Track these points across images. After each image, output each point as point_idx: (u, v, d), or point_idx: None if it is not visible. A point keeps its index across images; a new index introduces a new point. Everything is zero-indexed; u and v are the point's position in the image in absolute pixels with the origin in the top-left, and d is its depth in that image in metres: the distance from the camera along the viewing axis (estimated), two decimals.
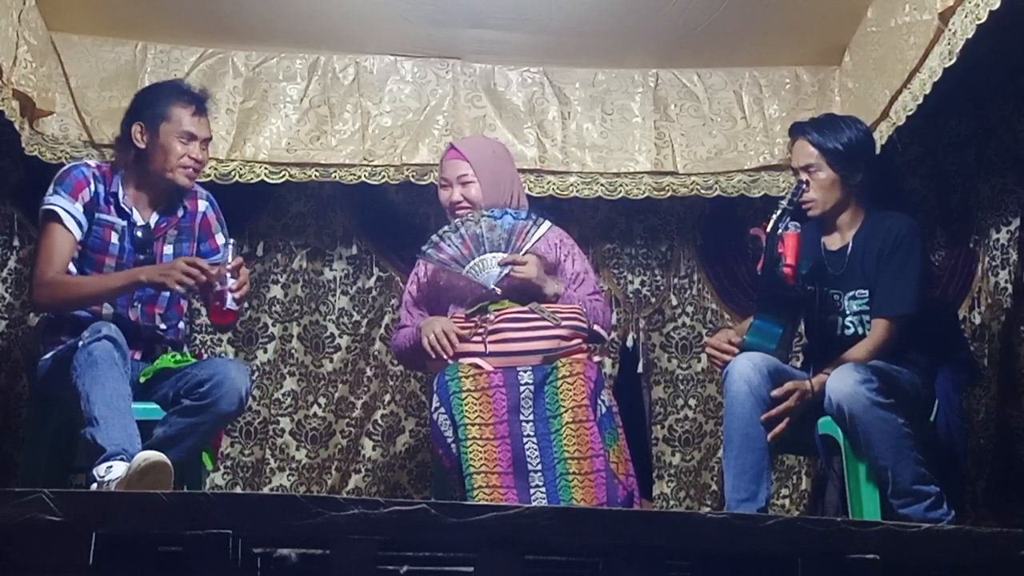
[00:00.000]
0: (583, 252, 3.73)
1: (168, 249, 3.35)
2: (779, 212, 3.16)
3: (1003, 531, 2.48)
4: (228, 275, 3.14)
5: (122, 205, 3.28)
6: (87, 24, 4.04)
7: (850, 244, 3.32)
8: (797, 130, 3.41)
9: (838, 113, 4.02)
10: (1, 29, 3.41)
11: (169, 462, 2.73)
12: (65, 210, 3.21)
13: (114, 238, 3.27)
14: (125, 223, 3.28)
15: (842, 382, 3.02)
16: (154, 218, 3.33)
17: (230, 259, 3.19)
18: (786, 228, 3.12)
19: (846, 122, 3.39)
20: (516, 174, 3.73)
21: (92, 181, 3.27)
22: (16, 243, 4.31)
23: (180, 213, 3.38)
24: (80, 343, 2.96)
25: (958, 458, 3.29)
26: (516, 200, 3.59)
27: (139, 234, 3.29)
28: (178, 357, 3.27)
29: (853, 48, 4.07)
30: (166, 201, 3.36)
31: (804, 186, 3.25)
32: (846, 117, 3.47)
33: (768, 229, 3.14)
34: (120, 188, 3.29)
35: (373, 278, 4.57)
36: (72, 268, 3.24)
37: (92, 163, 3.38)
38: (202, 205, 3.45)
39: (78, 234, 3.22)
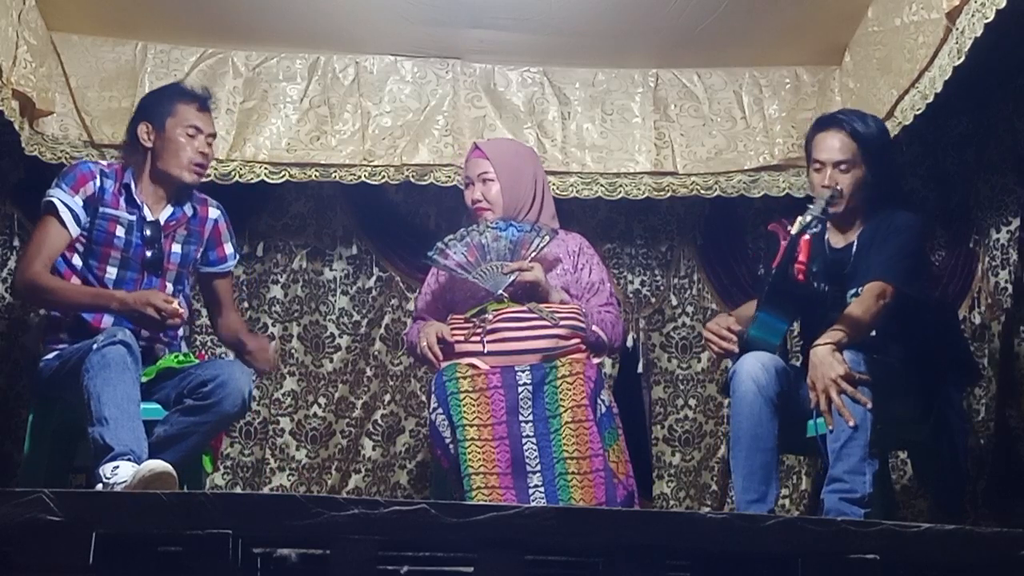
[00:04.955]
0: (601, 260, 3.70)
1: (176, 247, 3.37)
2: (809, 219, 3.04)
3: (1003, 531, 2.48)
4: None
5: (135, 197, 3.30)
6: (87, 24, 4.04)
7: (855, 243, 3.28)
8: (831, 122, 3.27)
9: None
10: (1, 29, 3.41)
11: (175, 473, 2.73)
12: (63, 203, 3.22)
13: (119, 231, 3.27)
14: (134, 217, 3.30)
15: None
16: (165, 214, 3.35)
17: None
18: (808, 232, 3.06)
19: (870, 118, 3.29)
20: (542, 175, 3.69)
21: (99, 176, 3.29)
22: (16, 243, 4.30)
23: (190, 212, 3.40)
24: (94, 346, 2.96)
25: (958, 458, 3.28)
26: (541, 202, 3.57)
27: (148, 231, 3.30)
28: (181, 357, 3.26)
29: (853, 48, 4.07)
30: (175, 200, 3.38)
31: (838, 195, 3.15)
32: (865, 113, 3.35)
33: (793, 231, 3.05)
34: (132, 181, 3.32)
35: (373, 278, 4.56)
36: (77, 261, 3.24)
37: (102, 162, 3.41)
38: (213, 213, 3.48)
39: (74, 230, 3.23)
